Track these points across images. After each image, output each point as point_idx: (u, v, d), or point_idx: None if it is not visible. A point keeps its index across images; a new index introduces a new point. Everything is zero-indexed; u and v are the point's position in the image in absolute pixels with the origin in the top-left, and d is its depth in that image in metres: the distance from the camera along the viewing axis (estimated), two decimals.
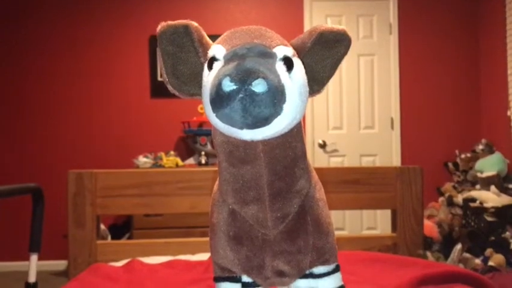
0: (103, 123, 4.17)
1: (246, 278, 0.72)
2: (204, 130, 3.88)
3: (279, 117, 0.56)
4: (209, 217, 0.73)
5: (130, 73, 4.19)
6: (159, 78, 4.17)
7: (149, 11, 4.18)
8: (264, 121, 0.55)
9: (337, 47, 0.66)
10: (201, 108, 3.86)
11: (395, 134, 4.24)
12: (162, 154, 3.83)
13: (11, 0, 4.17)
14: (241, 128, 0.56)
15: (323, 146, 4.20)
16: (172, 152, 3.91)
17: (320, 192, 0.72)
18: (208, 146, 3.86)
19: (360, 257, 1.50)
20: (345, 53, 0.67)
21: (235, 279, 0.72)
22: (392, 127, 4.25)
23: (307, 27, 4.14)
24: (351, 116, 4.24)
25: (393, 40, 4.24)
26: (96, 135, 4.16)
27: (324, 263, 0.71)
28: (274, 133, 0.58)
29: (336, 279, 0.72)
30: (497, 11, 3.95)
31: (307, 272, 0.71)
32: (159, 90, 4.15)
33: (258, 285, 0.73)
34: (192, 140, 3.95)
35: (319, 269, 0.71)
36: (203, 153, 3.82)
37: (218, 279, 0.73)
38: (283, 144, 0.63)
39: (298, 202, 0.67)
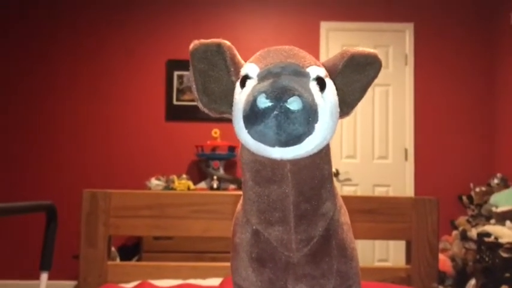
0: (117, 145, 4.20)
1: None
2: (217, 154, 3.88)
3: (310, 136, 0.55)
4: (231, 237, 0.71)
5: (147, 96, 4.24)
6: (175, 102, 4.21)
7: (166, 36, 4.25)
8: (297, 139, 0.55)
9: (367, 70, 0.67)
10: (215, 133, 3.87)
11: (409, 165, 4.21)
12: (174, 177, 3.84)
13: (33, 24, 4.27)
14: (273, 146, 0.55)
15: (336, 174, 4.17)
16: (184, 176, 3.92)
17: (345, 216, 0.71)
18: (221, 171, 3.86)
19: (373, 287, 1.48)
20: (375, 77, 0.67)
21: None
22: (406, 158, 4.22)
23: (323, 56, 4.17)
24: (365, 145, 4.23)
25: (408, 71, 4.25)
26: (110, 156, 4.18)
27: None
28: (305, 152, 0.58)
29: None
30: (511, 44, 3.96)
31: None
32: (174, 114, 4.19)
33: None
34: (204, 164, 3.95)
35: None
36: (215, 177, 3.82)
37: None
38: (311, 165, 0.63)
39: (323, 225, 0.67)
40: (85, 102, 4.22)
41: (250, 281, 0.69)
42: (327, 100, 0.58)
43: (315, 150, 0.59)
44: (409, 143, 4.22)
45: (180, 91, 4.20)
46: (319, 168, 0.64)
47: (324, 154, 0.64)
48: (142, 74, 4.25)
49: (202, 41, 0.65)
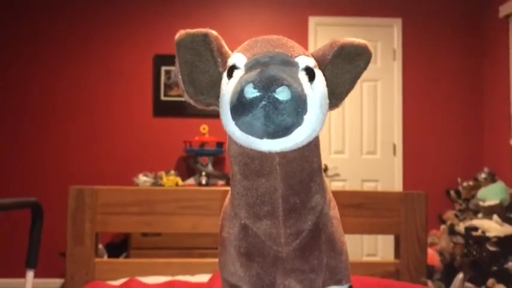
0: (104, 141, 4.16)
1: None
2: (205, 150, 3.86)
3: (299, 127, 0.54)
4: (219, 231, 0.70)
5: (134, 92, 4.20)
6: (162, 97, 4.18)
7: (154, 31, 4.21)
8: (286, 130, 0.53)
9: (357, 60, 0.65)
10: (204, 128, 3.85)
11: (398, 160, 4.23)
12: (163, 173, 3.81)
13: (19, 18, 4.20)
14: (261, 137, 0.54)
15: (325, 170, 4.16)
16: (172, 172, 3.89)
17: (334, 210, 0.70)
18: (209, 167, 3.84)
19: (363, 282, 1.47)
20: (365, 68, 0.66)
21: None
22: (394, 153, 4.23)
23: (311, 51, 4.16)
24: (353, 140, 4.23)
25: (397, 66, 4.26)
26: (97, 153, 4.14)
27: (337, 283, 0.68)
28: (294, 145, 0.57)
29: None
30: (500, 39, 3.98)
31: None
32: (161, 109, 4.16)
33: None
34: (193, 160, 3.93)
35: None
36: (204, 173, 3.80)
37: None
38: (300, 158, 0.61)
39: (312, 219, 0.65)
40: (70, 98, 4.18)
41: (239, 276, 0.67)
42: (316, 91, 0.57)
43: (304, 142, 0.58)
44: (398, 138, 4.24)
45: (168, 86, 4.17)
46: (308, 161, 0.63)
47: (313, 146, 0.63)
48: (130, 69, 4.21)
49: (189, 30, 0.63)
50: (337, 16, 4.27)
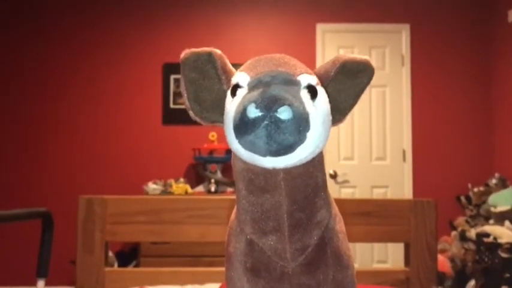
0: (114, 149, 4.19)
1: None
2: (214, 157, 3.87)
3: (302, 145, 0.55)
4: (225, 246, 0.71)
5: (143, 100, 4.23)
6: (172, 105, 4.20)
7: (163, 39, 4.24)
8: (288, 148, 0.54)
9: (360, 77, 0.66)
10: (212, 136, 3.87)
11: (407, 166, 4.21)
12: (172, 181, 3.83)
13: (28, 25, 4.25)
14: (265, 156, 0.55)
15: (334, 176, 4.17)
16: (181, 179, 3.90)
17: (340, 224, 0.70)
18: (218, 174, 3.85)
19: None
20: (368, 83, 0.66)
21: None
22: (404, 159, 4.21)
23: (319, 58, 4.17)
24: (363, 147, 4.22)
25: (405, 72, 4.25)
26: (107, 161, 4.17)
27: None
28: (297, 161, 0.57)
29: None
30: (509, 44, 3.95)
31: None
32: (171, 117, 4.18)
33: None
34: (202, 167, 3.94)
35: None
36: (213, 180, 3.81)
37: None
38: (304, 174, 0.62)
39: (318, 234, 0.66)
40: (80, 106, 4.21)
41: None
42: (318, 108, 0.58)
43: (308, 159, 0.59)
44: (407, 144, 4.22)
45: (177, 94, 4.19)
46: (312, 176, 0.63)
47: (317, 162, 0.64)
48: (139, 77, 4.24)
49: (193, 50, 0.64)
50: (344, 23, 4.27)
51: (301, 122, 0.54)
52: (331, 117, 0.61)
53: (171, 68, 4.18)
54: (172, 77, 4.20)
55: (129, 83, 4.24)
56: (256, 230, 0.65)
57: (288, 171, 0.60)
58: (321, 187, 0.66)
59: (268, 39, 4.26)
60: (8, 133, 4.19)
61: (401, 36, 4.27)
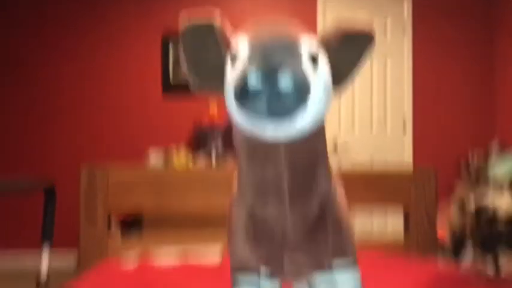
0: (115, 119, 4.20)
1: (263, 270, 0.70)
2: (215, 131, 3.87)
3: (303, 113, 0.55)
4: (228, 217, 0.72)
5: (143, 72, 4.21)
6: (171, 76, 4.18)
7: (162, 10, 4.19)
8: (289, 117, 0.54)
9: (361, 45, 0.65)
10: (213, 107, 3.86)
11: (408, 136, 4.21)
12: (173, 152, 3.84)
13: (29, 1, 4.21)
14: (265, 125, 0.55)
15: (334, 147, 4.18)
16: (183, 151, 3.92)
17: (340, 193, 0.72)
18: (219, 146, 3.86)
19: (370, 255, 1.49)
20: (369, 52, 0.65)
21: (253, 272, 0.70)
22: (404, 129, 4.22)
23: (320, 27, 4.13)
24: (363, 117, 4.22)
25: (407, 41, 4.21)
26: (108, 131, 4.18)
27: (342, 255, 0.70)
28: (298, 130, 0.57)
29: (354, 273, 0.71)
30: None
31: (326, 267, 0.69)
32: (170, 89, 4.16)
33: (276, 277, 0.71)
34: (203, 139, 3.95)
35: (337, 262, 0.70)
36: (214, 152, 3.82)
37: (236, 271, 0.72)
38: (305, 144, 0.62)
39: (318, 202, 0.67)
40: (81, 77, 4.20)
41: (247, 259, 0.69)
42: (319, 76, 0.57)
43: (309, 128, 0.59)
44: (408, 114, 4.22)
45: (177, 65, 4.17)
46: (313, 147, 0.63)
47: (318, 133, 0.63)
48: (138, 49, 4.22)
49: (193, 19, 0.63)
50: None
51: (303, 90, 0.53)
52: (332, 86, 0.61)
53: (171, 39, 4.15)
54: (172, 46, 4.17)
55: (128, 55, 4.21)
56: (258, 200, 0.65)
57: (289, 142, 0.60)
58: (322, 158, 0.66)
59: (268, 8, 4.21)
60: (11, 103, 4.19)
61: (403, 4, 4.22)
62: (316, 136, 0.63)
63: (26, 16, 4.19)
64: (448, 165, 4.07)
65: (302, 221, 0.66)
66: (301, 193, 0.64)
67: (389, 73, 4.23)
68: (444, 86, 4.24)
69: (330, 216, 0.68)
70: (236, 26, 0.66)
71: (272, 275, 0.71)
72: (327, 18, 4.17)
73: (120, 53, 4.20)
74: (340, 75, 0.64)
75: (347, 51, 0.64)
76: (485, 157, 3.89)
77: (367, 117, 4.22)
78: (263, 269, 0.70)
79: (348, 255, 0.71)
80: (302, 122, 0.56)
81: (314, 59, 0.58)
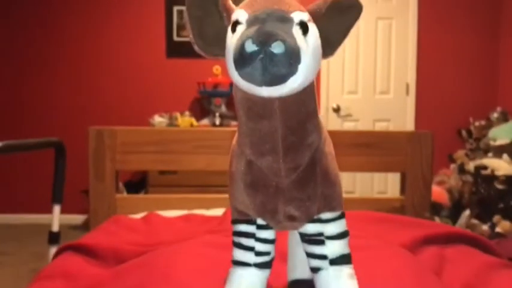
0: (119, 82, 4.23)
1: (260, 221, 0.79)
2: (218, 91, 3.91)
3: (294, 76, 0.62)
4: (229, 167, 0.80)
5: (147, 33, 4.21)
6: (175, 38, 4.19)
7: None
8: (281, 79, 0.61)
9: (349, 13, 0.71)
10: (217, 69, 3.88)
11: (410, 100, 4.24)
12: (178, 114, 3.90)
13: None
14: (260, 85, 0.62)
15: (337, 110, 4.22)
16: (187, 113, 3.97)
17: (329, 147, 0.79)
18: (223, 107, 3.90)
19: (367, 216, 1.57)
20: (356, 19, 0.72)
21: (251, 222, 0.80)
22: (407, 93, 4.24)
23: None
24: (367, 80, 4.23)
25: (412, 4, 4.17)
26: (113, 94, 4.22)
27: (331, 209, 0.78)
28: (289, 91, 0.64)
29: (341, 224, 0.79)
30: None
31: (315, 217, 0.77)
32: (175, 50, 4.18)
33: (271, 228, 0.80)
34: (206, 101, 3.99)
35: (326, 215, 0.78)
36: (217, 114, 3.87)
37: (236, 221, 0.81)
38: (297, 102, 0.69)
39: (308, 154, 0.74)
40: (86, 40, 4.21)
41: (245, 204, 0.78)
42: (309, 43, 0.64)
43: (299, 88, 0.66)
44: (411, 77, 4.23)
45: (181, 27, 4.16)
46: (304, 104, 0.71)
47: (308, 91, 0.70)
48: (141, 9, 4.20)
49: None
50: None
51: (293, 56, 0.60)
52: (321, 51, 0.68)
53: (174, 0, 4.13)
54: (176, 8, 4.16)
55: (132, 15, 4.21)
56: (255, 151, 0.74)
57: (282, 100, 0.67)
58: (312, 113, 0.73)
59: None
60: (17, 68, 4.23)
61: None
62: (306, 94, 0.70)
63: None
64: (449, 130, 4.11)
65: (294, 170, 0.74)
66: (293, 145, 0.72)
67: (394, 36, 4.21)
68: (448, 50, 4.23)
69: (319, 167, 0.75)
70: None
71: (268, 225, 0.80)
72: None
73: (123, 14, 4.19)
74: (330, 41, 0.71)
75: (335, 19, 0.71)
76: (487, 123, 3.92)
77: (370, 81, 4.23)
78: (260, 220, 0.80)
79: (337, 209, 0.79)
80: (293, 83, 0.63)
81: (304, 28, 0.65)
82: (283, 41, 0.59)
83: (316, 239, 0.78)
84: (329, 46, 0.72)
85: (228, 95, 3.89)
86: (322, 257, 0.77)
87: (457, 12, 4.20)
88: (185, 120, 3.83)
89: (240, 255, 0.80)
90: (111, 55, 4.22)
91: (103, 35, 4.21)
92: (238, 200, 0.78)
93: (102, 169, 1.82)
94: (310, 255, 0.79)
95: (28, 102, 4.23)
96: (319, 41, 0.67)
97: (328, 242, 0.77)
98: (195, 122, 3.87)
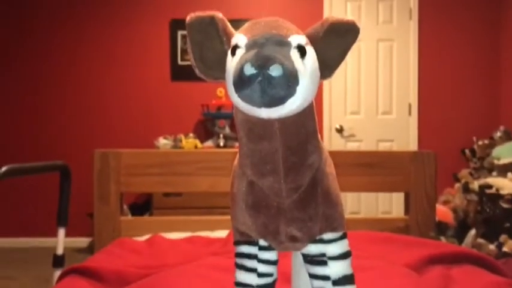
0: (124, 105, 4.26)
1: (262, 242, 0.80)
2: (222, 113, 3.94)
3: (292, 97, 0.63)
4: (230, 188, 0.81)
5: (151, 56, 4.27)
6: (180, 62, 4.24)
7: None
8: (279, 101, 0.63)
9: (346, 36, 0.73)
10: (220, 92, 3.92)
11: (413, 120, 4.25)
12: (182, 136, 3.92)
13: None
14: (260, 107, 0.64)
15: (340, 130, 4.23)
16: (191, 135, 3.99)
17: (330, 167, 0.80)
18: (227, 129, 3.92)
19: (371, 236, 1.56)
20: (353, 42, 0.74)
21: (253, 243, 0.80)
22: (410, 113, 4.25)
23: (326, 11, 4.15)
24: (369, 101, 4.26)
25: (413, 25, 4.22)
26: (118, 117, 4.26)
27: (333, 230, 0.78)
28: (288, 112, 0.66)
29: (343, 245, 0.79)
30: None
31: (317, 238, 0.78)
32: (179, 74, 4.22)
33: (273, 249, 0.80)
34: (210, 122, 4.02)
35: (328, 236, 0.78)
36: (221, 135, 3.89)
37: (238, 242, 0.81)
38: (296, 123, 0.70)
39: (309, 175, 0.75)
40: (91, 63, 4.27)
41: (247, 225, 0.78)
42: (307, 65, 0.66)
43: (298, 110, 0.67)
44: (413, 97, 4.25)
45: (185, 51, 4.21)
46: (304, 125, 0.72)
47: (307, 112, 0.72)
48: (147, 34, 4.26)
49: (198, 13, 0.72)
50: None
51: (291, 78, 0.62)
52: (319, 74, 0.70)
53: (179, 24, 4.19)
54: (180, 33, 4.22)
55: (137, 40, 4.26)
56: (256, 172, 0.75)
57: (282, 121, 0.69)
58: (312, 134, 0.74)
59: (275, 5, 4.23)
60: (25, 90, 4.27)
61: None
62: (306, 115, 0.72)
63: (31, 5, 4.24)
64: (453, 150, 4.11)
65: (295, 190, 0.75)
66: (294, 165, 0.73)
67: (395, 57, 4.24)
68: (449, 70, 4.25)
69: (321, 187, 0.76)
70: (243, 13, 0.73)
71: (270, 246, 0.80)
72: (333, 3, 4.17)
73: (128, 39, 4.24)
74: (327, 64, 0.73)
75: (333, 42, 0.73)
76: (490, 142, 3.92)
77: (372, 101, 4.25)
78: (262, 242, 0.80)
79: (338, 229, 0.79)
80: (291, 105, 0.65)
81: (302, 51, 0.67)
82: (281, 64, 0.61)
83: (319, 260, 0.78)
84: (327, 68, 0.73)
85: (232, 116, 3.90)
86: (325, 278, 0.77)
87: (457, 32, 4.25)
88: (189, 142, 3.85)
89: (242, 276, 0.80)
90: (117, 78, 4.27)
91: (109, 59, 4.27)
92: (240, 221, 0.79)
93: (106, 191, 1.83)
94: (313, 276, 0.79)
95: (33, 126, 4.27)
96: (316, 64, 0.69)
97: (331, 263, 0.77)
98: (199, 144, 3.88)
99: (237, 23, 0.75)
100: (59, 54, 4.26)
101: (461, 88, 4.26)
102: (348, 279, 0.78)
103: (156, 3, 4.25)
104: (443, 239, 3.23)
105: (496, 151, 3.69)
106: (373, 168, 1.92)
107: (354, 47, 0.74)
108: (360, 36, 0.74)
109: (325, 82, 4.26)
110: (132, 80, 4.27)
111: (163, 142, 3.84)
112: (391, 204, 4.18)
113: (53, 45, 4.26)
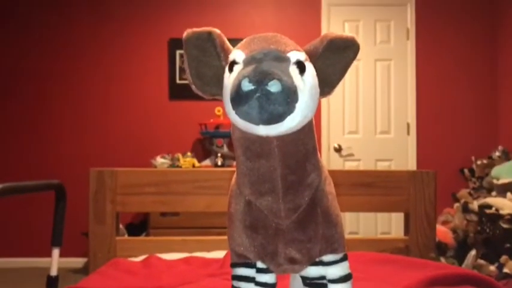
0: (122, 124, 4.25)
1: (260, 264, 0.77)
2: (220, 132, 3.93)
3: (291, 114, 0.61)
4: (227, 207, 0.78)
5: (150, 75, 4.27)
6: (178, 81, 4.24)
7: (169, 14, 4.26)
8: (278, 118, 0.61)
9: (346, 52, 0.72)
10: (218, 111, 3.92)
11: (411, 139, 4.24)
12: (179, 155, 3.90)
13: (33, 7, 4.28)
14: (258, 124, 0.61)
15: (338, 150, 4.22)
16: (189, 153, 3.97)
17: (330, 186, 0.77)
18: (225, 148, 3.91)
19: (371, 257, 1.53)
20: (354, 58, 0.72)
21: (251, 265, 0.77)
22: (408, 132, 4.25)
23: (324, 31, 4.17)
24: (367, 120, 4.26)
25: (410, 45, 4.25)
26: (115, 136, 4.24)
27: (333, 251, 0.76)
28: (287, 129, 0.64)
29: (344, 267, 0.77)
30: None
31: (317, 259, 0.75)
32: (177, 93, 4.22)
33: (272, 272, 0.78)
34: (208, 141, 4.00)
35: (328, 257, 0.76)
36: (219, 154, 3.87)
37: (235, 265, 0.79)
38: (295, 141, 0.68)
39: (309, 194, 0.73)
40: (88, 82, 4.26)
41: (245, 247, 0.76)
42: (306, 82, 0.64)
43: (298, 127, 0.65)
44: (411, 117, 4.25)
45: (183, 70, 4.21)
46: (303, 143, 0.70)
47: (307, 130, 0.70)
48: (145, 53, 4.28)
49: (195, 29, 0.71)
50: None
51: (290, 94, 0.60)
52: (318, 90, 0.68)
53: (177, 43, 4.20)
54: (178, 52, 4.23)
55: (135, 59, 4.27)
56: (254, 191, 0.72)
57: (280, 139, 0.67)
58: (311, 153, 0.72)
59: (272, 13, 4.26)
60: (22, 108, 4.26)
61: (407, 9, 4.26)
62: (305, 133, 0.70)
63: (33, 21, 4.26)
64: (452, 169, 4.10)
65: (294, 210, 0.72)
66: (293, 185, 0.71)
67: (393, 77, 4.26)
68: (447, 89, 4.27)
69: (320, 207, 0.74)
70: (241, 33, 0.72)
71: (268, 268, 0.77)
72: (331, 23, 4.21)
73: (127, 58, 4.26)
74: (327, 81, 0.71)
75: (332, 58, 0.71)
76: (489, 162, 3.91)
77: (370, 121, 4.25)
78: (260, 264, 0.77)
79: (339, 251, 0.77)
80: (291, 122, 0.62)
81: (301, 67, 0.65)
82: (280, 80, 0.59)
83: (319, 283, 0.75)
84: (327, 85, 0.72)
85: (230, 135, 3.89)
86: None
87: (454, 52, 4.27)
88: (187, 161, 3.83)
89: None
90: (115, 97, 4.26)
91: (108, 77, 4.27)
92: (237, 241, 0.76)
93: (102, 211, 1.80)
94: None
95: (29, 144, 4.24)
96: (316, 80, 0.67)
97: (331, 286, 0.75)
98: (197, 163, 3.86)
99: (234, 43, 0.73)
100: (57, 73, 4.26)
101: (459, 107, 4.26)
102: None
103: (155, 23, 4.28)
104: (443, 259, 3.20)
105: (495, 171, 3.68)
106: (372, 188, 1.91)
107: (352, 66, 0.73)
108: (358, 55, 0.73)
109: (323, 101, 4.26)
110: (130, 98, 4.26)
111: (160, 161, 3.82)
112: (390, 225, 4.15)
113: (52, 64, 4.26)
